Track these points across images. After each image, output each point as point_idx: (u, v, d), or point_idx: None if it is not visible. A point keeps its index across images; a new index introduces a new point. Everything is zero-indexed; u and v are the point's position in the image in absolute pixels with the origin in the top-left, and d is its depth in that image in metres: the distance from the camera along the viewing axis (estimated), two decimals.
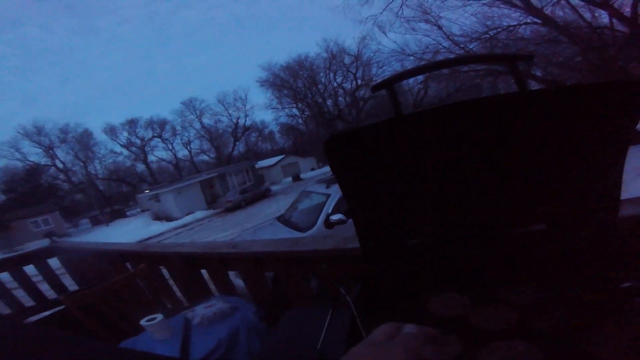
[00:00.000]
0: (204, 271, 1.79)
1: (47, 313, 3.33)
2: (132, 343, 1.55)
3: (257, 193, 22.21)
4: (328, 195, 4.97)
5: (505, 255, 0.69)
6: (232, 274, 1.76)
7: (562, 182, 0.66)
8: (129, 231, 20.06)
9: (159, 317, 1.45)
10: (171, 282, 2.16)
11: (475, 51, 10.53)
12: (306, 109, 31.81)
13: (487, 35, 9.77)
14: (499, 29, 9.61)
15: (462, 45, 10.61)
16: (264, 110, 39.95)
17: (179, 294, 2.15)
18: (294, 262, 1.19)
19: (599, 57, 8.04)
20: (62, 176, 33.57)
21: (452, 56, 11.45)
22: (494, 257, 0.68)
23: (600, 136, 0.62)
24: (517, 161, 0.64)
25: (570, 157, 0.63)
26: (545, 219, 0.69)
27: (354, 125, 26.17)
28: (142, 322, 1.46)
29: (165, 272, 2.13)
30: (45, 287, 3.64)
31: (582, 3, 8.32)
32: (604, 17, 8.58)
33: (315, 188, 5.82)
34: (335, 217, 4.50)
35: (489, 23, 9.77)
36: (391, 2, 10.35)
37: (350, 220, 4.18)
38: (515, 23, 9.42)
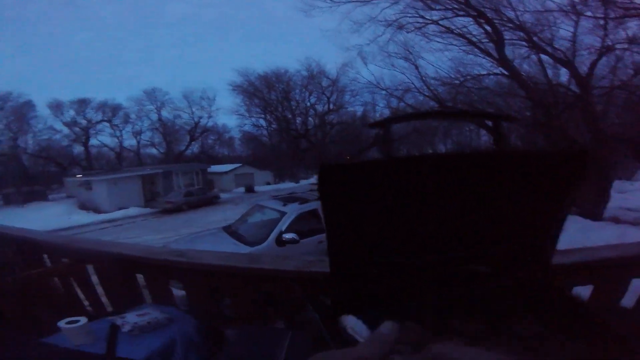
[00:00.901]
0: (139, 276, 1.65)
1: None
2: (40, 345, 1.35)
3: (203, 198, 21.05)
4: (283, 213, 4.94)
5: (457, 290, 0.78)
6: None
7: (509, 233, 0.78)
8: (46, 217, 17.49)
9: (82, 320, 1.29)
10: (93, 281, 1.94)
11: (440, 94, 11.55)
12: (274, 122, 31.71)
13: (457, 82, 10.79)
14: (468, 77, 10.69)
15: (432, 88, 11.60)
16: (229, 115, 38.82)
17: (103, 297, 1.92)
18: (252, 279, 1.15)
19: (545, 114, 8.94)
20: None
21: (421, 98, 12.49)
22: (449, 292, 0.76)
23: (547, 199, 0.75)
24: (478, 211, 0.74)
25: (519, 213, 0.76)
26: (490, 263, 0.80)
27: (318, 147, 26.72)
28: (61, 323, 1.29)
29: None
30: None
31: (550, 60, 9.39)
32: (565, 75, 9.72)
33: (270, 203, 5.75)
34: (288, 235, 4.47)
35: (461, 69, 10.83)
36: (380, 36, 11.06)
37: (303, 241, 4.20)
38: (484, 72, 10.51)
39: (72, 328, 1.28)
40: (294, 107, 30.20)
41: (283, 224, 4.74)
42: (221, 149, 43.53)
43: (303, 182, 35.05)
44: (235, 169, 32.45)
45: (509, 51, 9.62)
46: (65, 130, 34.18)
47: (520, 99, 10.11)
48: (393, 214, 0.71)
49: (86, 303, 1.95)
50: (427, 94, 11.80)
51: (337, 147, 30.13)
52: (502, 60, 9.49)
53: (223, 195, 24.36)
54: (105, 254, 1.54)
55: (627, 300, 1.21)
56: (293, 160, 32.92)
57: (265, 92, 29.92)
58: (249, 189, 27.80)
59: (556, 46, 8.94)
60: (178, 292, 1.66)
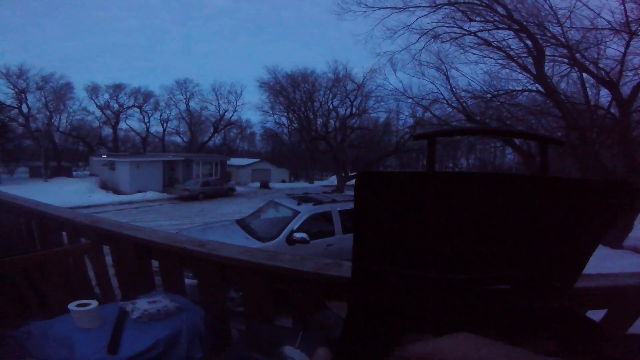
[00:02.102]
0: (154, 262, 1.65)
1: None
2: (44, 326, 1.37)
3: (219, 189, 21.39)
4: (297, 212, 4.92)
5: (472, 306, 0.76)
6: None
7: (538, 256, 0.75)
8: (67, 193, 18.24)
9: (94, 303, 1.30)
10: (108, 263, 1.96)
11: (469, 108, 11.21)
12: (295, 121, 31.90)
13: (488, 95, 10.42)
14: (501, 91, 10.30)
15: (461, 100, 11.27)
16: (253, 110, 39.52)
17: (114, 281, 1.94)
18: (267, 276, 1.13)
19: (580, 136, 8.45)
20: (21, 119, 30.86)
21: (449, 110, 12.19)
22: (464, 307, 0.75)
23: (585, 228, 0.71)
24: (511, 233, 0.70)
25: (553, 239, 0.72)
26: (510, 281, 0.78)
27: (336, 150, 26.65)
28: (71, 306, 1.30)
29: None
30: None
31: (592, 80, 8.83)
32: (605, 97, 9.13)
33: (285, 201, 5.74)
34: (299, 234, 4.44)
35: (495, 83, 10.44)
36: (414, 44, 10.85)
37: (313, 242, 4.16)
38: (519, 88, 10.03)
39: (82, 311, 1.29)
40: (316, 108, 30.29)
41: (295, 223, 4.72)
42: (242, 143, 44.32)
43: (317, 183, 35.11)
44: (253, 163, 32.88)
45: (548, 68, 9.18)
46: (98, 112, 35.86)
47: (554, 119, 9.65)
48: (425, 228, 0.68)
49: (97, 285, 1.99)
50: (455, 105, 11.50)
51: (356, 151, 29.94)
52: (540, 77, 9.05)
53: (239, 188, 24.71)
54: (123, 237, 1.55)
55: (637, 328, 1.23)
56: (310, 161, 32.99)
57: (290, 91, 30.18)
58: (264, 185, 28.07)
59: (600, 66, 8.35)
60: (188, 282, 1.65)
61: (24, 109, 31.25)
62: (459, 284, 0.79)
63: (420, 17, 10.06)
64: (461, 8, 9.46)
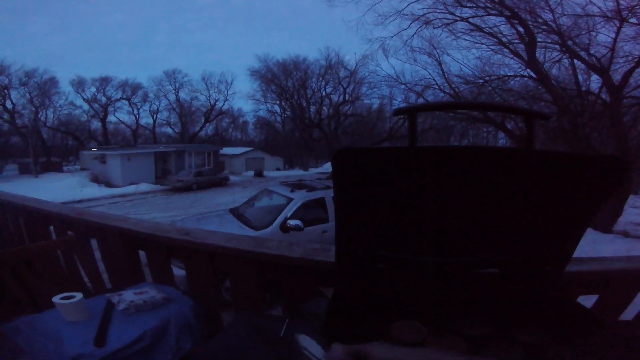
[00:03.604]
0: (141, 253, 1.62)
1: None
2: (32, 321, 1.34)
3: (213, 179, 21.23)
4: (290, 200, 4.89)
5: (465, 291, 0.74)
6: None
7: (527, 237, 0.72)
8: (59, 188, 17.96)
9: (78, 295, 1.27)
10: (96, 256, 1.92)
11: (463, 94, 11.18)
12: (288, 109, 31.54)
13: (481, 81, 10.38)
14: (493, 77, 10.26)
15: (453, 86, 11.19)
16: (245, 99, 38.94)
17: (104, 273, 1.92)
18: (256, 264, 1.10)
19: (571, 121, 8.54)
20: (6, 116, 30.02)
21: (441, 95, 12.11)
22: (456, 292, 0.73)
23: (575, 206, 0.68)
24: (499, 211, 0.68)
25: (542, 217, 0.70)
26: (499, 265, 0.76)
27: (330, 137, 26.49)
28: (56, 299, 1.27)
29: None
30: None
31: (583, 66, 8.88)
32: (596, 83, 9.10)
33: (278, 189, 5.70)
34: (293, 222, 4.43)
35: (487, 69, 10.37)
36: (405, 29, 10.65)
37: (307, 229, 4.16)
38: (511, 74, 10.01)
39: (67, 304, 1.26)
40: (309, 96, 29.96)
41: (289, 211, 4.71)
42: (235, 132, 43.78)
43: (312, 170, 35.05)
44: (246, 152, 32.60)
45: (539, 54, 9.16)
46: (85, 106, 35.09)
47: (546, 104, 9.68)
48: (408, 207, 0.66)
49: (86, 278, 1.96)
50: (448, 91, 11.42)
51: (350, 138, 29.83)
52: (532, 63, 9.03)
53: (233, 178, 24.56)
54: (109, 228, 1.51)
55: (629, 313, 1.22)
56: (304, 149, 32.82)
57: (282, 79, 29.72)
58: (259, 174, 27.94)
59: (592, 52, 8.39)
60: (178, 272, 1.63)
61: (8, 105, 30.42)
62: (446, 268, 0.76)
63: (411, 3, 9.87)
64: None
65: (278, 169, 33.77)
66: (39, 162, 27.85)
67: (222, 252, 1.17)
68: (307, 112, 29.94)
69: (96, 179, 21.68)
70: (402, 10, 10.07)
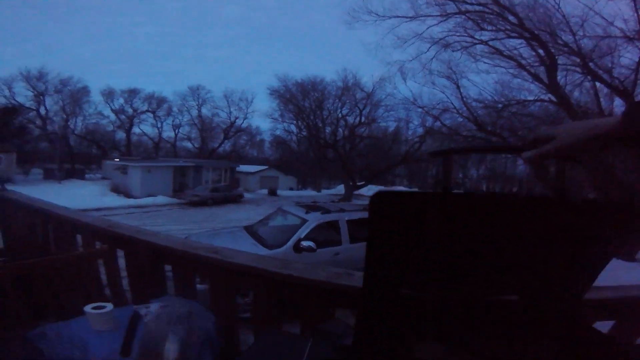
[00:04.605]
0: (167, 267, 1.68)
1: None
2: (58, 328, 1.40)
3: (228, 195, 21.59)
4: (305, 221, 4.94)
5: (483, 315, 0.77)
6: None
7: (547, 273, 0.75)
8: (79, 195, 18.64)
9: (109, 306, 1.34)
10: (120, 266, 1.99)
11: (480, 117, 11.08)
12: (304, 129, 32.12)
13: (500, 105, 10.31)
14: (513, 101, 10.18)
15: (472, 110, 11.18)
16: (263, 118, 39.97)
17: (124, 284, 1.98)
18: (280, 285, 1.15)
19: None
20: (38, 122, 31.88)
21: (460, 119, 12.08)
22: (474, 316, 0.77)
23: (593, 245, 0.72)
24: (521, 254, 0.72)
25: (562, 257, 0.73)
26: (520, 292, 0.79)
27: (344, 159, 26.63)
28: (87, 308, 1.33)
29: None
30: None
31: (606, 89, 8.76)
32: (619, 107, 9.00)
33: (293, 209, 5.77)
34: (306, 243, 4.45)
35: (506, 92, 10.35)
36: (424, 53, 10.88)
37: (320, 250, 4.17)
38: (531, 98, 9.97)
39: (97, 314, 1.33)
40: (325, 117, 30.45)
41: (303, 231, 4.74)
42: (251, 150, 44.81)
43: (325, 191, 35.10)
44: (261, 170, 33.14)
45: (561, 77, 9.12)
46: (112, 116, 36.78)
47: None
48: (436, 249, 0.70)
49: (109, 288, 2.03)
50: (466, 115, 11.45)
51: (364, 160, 29.90)
52: (553, 86, 8.98)
53: (247, 195, 24.88)
54: (139, 241, 1.59)
55: None
56: (318, 169, 33.07)
57: (300, 99, 30.49)
58: (272, 192, 28.20)
59: (614, 75, 8.26)
60: (199, 287, 1.68)
61: (42, 111, 32.23)
62: (466, 300, 0.80)
63: (431, 26, 10.14)
64: (472, 17, 9.50)
65: (291, 189, 34.02)
66: (64, 169, 29.07)
67: (247, 271, 1.22)
68: (322, 132, 30.39)
69: (116, 189, 22.43)
70: (422, 33, 10.35)
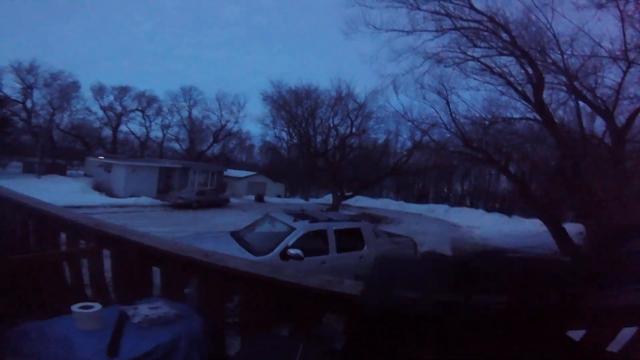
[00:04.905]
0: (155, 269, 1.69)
1: None
2: (41, 326, 1.38)
3: (214, 199, 21.29)
4: (293, 229, 4.95)
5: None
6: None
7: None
8: (59, 191, 17.92)
9: (97, 306, 1.33)
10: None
11: (467, 133, 11.35)
12: (295, 137, 32.12)
13: (487, 122, 10.57)
14: (499, 118, 10.41)
15: (459, 126, 11.43)
16: (254, 123, 39.61)
17: (110, 284, 1.96)
18: (271, 289, 1.18)
19: (573, 165, 8.45)
20: (24, 114, 30.70)
21: (447, 135, 12.26)
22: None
23: None
24: None
25: None
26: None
27: (334, 169, 26.75)
28: (74, 307, 1.33)
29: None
30: None
31: (589, 109, 8.97)
32: (600, 126, 9.22)
33: (281, 216, 5.77)
34: (293, 251, 4.46)
35: (493, 109, 10.58)
36: (418, 67, 11.04)
37: (307, 258, 4.18)
38: (517, 116, 10.21)
39: (85, 313, 1.32)
40: (317, 125, 30.56)
41: (291, 239, 4.75)
42: (240, 154, 44.47)
43: (313, 200, 35.06)
44: (249, 176, 32.89)
45: (547, 95, 9.39)
46: (100, 113, 35.87)
47: (549, 147, 9.83)
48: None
49: (91, 287, 1.99)
50: (453, 131, 11.72)
51: (354, 171, 30.10)
52: (538, 105, 9.21)
53: (233, 200, 24.58)
54: (128, 242, 1.60)
55: (614, 347, 1.27)
56: (307, 177, 33.07)
57: (292, 106, 30.54)
58: (259, 198, 27.98)
59: (598, 94, 8.53)
60: (187, 290, 1.68)
61: (29, 104, 31.09)
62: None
63: (426, 41, 10.35)
64: (466, 33, 9.81)
65: (279, 196, 33.83)
66: (44, 163, 28.02)
67: (239, 275, 1.25)
68: (313, 141, 30.50)
69: (99, 187, 21.75)
70: (417, 47, 10.56)
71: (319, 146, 29.64)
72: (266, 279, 1.17)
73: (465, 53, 10.06)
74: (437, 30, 9.93)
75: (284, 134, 33.12)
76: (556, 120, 9.37)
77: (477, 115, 10.92)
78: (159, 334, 1.30)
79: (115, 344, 1.26)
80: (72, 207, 14.10)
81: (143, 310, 1.37)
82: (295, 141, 32.30)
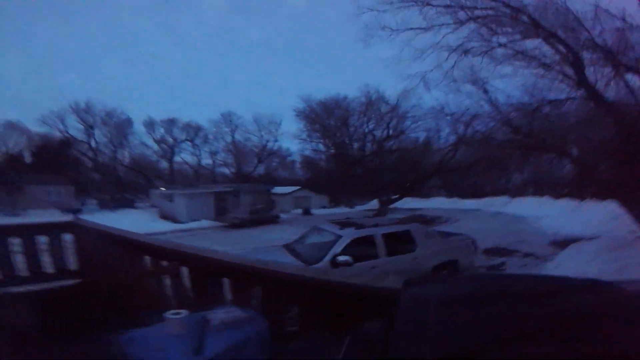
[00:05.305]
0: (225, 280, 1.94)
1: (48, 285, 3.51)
2: (142, 333, 1.68)
3: (265, 217, 22.39)
4: (339, 237, 5.10)
5: None
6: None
7: None
8: (132, 222, 20.26)
9: (184, 312, 1.60)
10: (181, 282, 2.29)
11: (514, 122, 10.62)
12: (331, 147, 32.49)
13: (535, 105, 9.81)
14: (544, 102, 9.64)
15: (505, 115, 10.73)
16: (291, 139, 41.12)
17: (191, 295, 2.28)
18: (324, 291, 1.33)
19: (635, 144, 7.65)
20: (90, 154, 35.29)
21: (491, 124, 11.58)
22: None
23: None
24: None
25: None
26: None
27: (375, 174, 26.46)
28: (167, 314, 1.61)
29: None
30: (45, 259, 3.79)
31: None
32: None
33: (327, 226, 5.96)
34: (342, 258, 4.60)
35: (535, 94, 9.76)
36: (444, 61, 10.68)
37: (357, 264, 4.28)
38: (563, 97, 9.39)
39: (176, 319, 1.60)
40: (351, 133, 30.63)
41: (338, 247, 4.89)
42: (283, 171, 46.12)
43: (358, 207, 34.79)
44: (294, 191, 33.88)
45: (590, 73, 8.53)
46: (155, 146, 39.93)
47: (607, 126, 8.77)
48: None
49: (175, 299, 2.34)
50: (498, 119, 10.96)
51: (396, 173, 29.38)
52: (582, 83, 8.46)
53: (282, 216, 25.53)
54: (201, 258, 1.88)
55: None
56: (348, 186, 33.05)
57: (324, 118, 30.99)
58: (306, 212, 28.63)
59: None
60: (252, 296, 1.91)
61: (93, 143, 35.41)
62: None
63: (446, 35, 10.00)
64: (484, 22, 9.36)
65: (324, 207, 34.23)
66: (115, 199, 31.70)
67: (295, 279, 1.43)
68: (350, 149, 30.51)
69: (164, 215, 24.22)
70: (438, 42, 10.21)
71: (356, 153, 29.54)
72: (314, 281, 1.32)
73: (488, 41, 9.54)
74: (454, 23, 9.57)
75: (320, 146, 33.64)
76: (607, 97, 8.41)
77: (520, 101, 10.15)
78: (232, 336, 1.52)
79: (200, 345, 1.51)
80: (146, 234, 15.84)
81: (218, 315, 1.61)
82: (332, 151, 32.56)
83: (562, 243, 10.61)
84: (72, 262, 3.88)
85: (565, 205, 20.87)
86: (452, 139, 20.41)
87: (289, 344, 1.63)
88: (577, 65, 8.46)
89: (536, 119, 9.91)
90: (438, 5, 9.47)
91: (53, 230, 3.91)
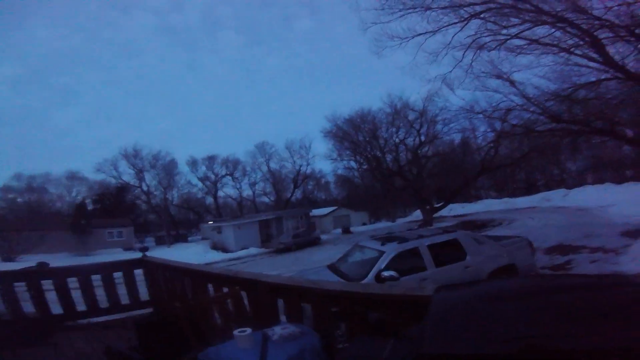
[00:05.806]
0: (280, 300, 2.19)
1: (136, 312, 4.07)
2: (216, 350, 1.97)
3: (308, 239, 22.93)
4: (382, 252, 5.15)
5: None
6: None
7: None
8: (188, 255, 21.81)
9: (249, 330, 1.87)
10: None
11: (550, 110, 10.01)
12: (364, 163, 32.24)
13: (565, 93, 9.27)
14: (577, 86, 9.05)
15: (536, 103, 10.17)
16: (323, 160, 41.80)
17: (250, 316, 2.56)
18: (366, 302, 1.51)
19: None
20: (144, 197, 38.76)
21: (527, 115, 10.96)
22: None
23: None
24: None
25: None
26: None
27: (413, 184, 25.60)
28: (235, 332, 1.89)
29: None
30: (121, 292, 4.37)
31: None
32: None
33: (369, 243, 6.03)
34: (387, 273, 4.64)
35: (566, 80, 9.20)
36: (461, 60, 10.51)
37: (403, 278, 4.31)
38: (594, 79, 8.78)
39: (243, 335, 1.87)
40: (382, 145, 29.98)
41: (382, 263, 4.93)
42: (319, 193, 46.78)
43: (400, 220, 33.84)
44: (332, 211, 34.08)
45: (614, 51, 7.96)
46: (199, 184, 42.59)
47: None
48: None
49: (237, 319, 2.64)
50: (533, 109, 10.38)
51: (437, 179, 28.25)
52: (608, 62, 7.84)
53: (323, 236, 25.84)
54: (259, 282, 2.16)
55: None
56: (387, 199, 32.35)
57: (352, 134, 30.69)
58: (346, 230, 28.53)
59: None
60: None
61: (144, 187, 38.28)
62: None
63: (455, 34, 9.83)
64: (487, 16, 9.16)
65: (364, 224, 33.84)
66: (170, 235, 34.25)
67: (340, 294, 1.63)
68: (383, 161, 29.99)
69: (215, 246, 25.96)
70: (450, 42, 10.06)
71: (391, 165, 29.01)
72: (359, 294, 1.51)
73: (499, 34, 9.28)
74: (459, 22, 9.49)
75: (352, 163, 33.41)
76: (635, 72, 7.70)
77: (551, 88, 9.58)
78: (291, 348, 1.75)
79: (264, 357, 1.75)
80: (203, 264, 17.02)
81: (277, 331, 1.85)
82: (365, 167, 32.22)
83: (636, 232, 9.48)
84: (143, 293, 4.49)
85: (631, 189, 18.52)
86: (490, 135, 19.24)
87: (338, 352, 1.81)
88: (597, 45, 7.94)
89: (575, 105, 9.28)
90: (438, 8, 9.52)
91: (127, 266, 4.57)
